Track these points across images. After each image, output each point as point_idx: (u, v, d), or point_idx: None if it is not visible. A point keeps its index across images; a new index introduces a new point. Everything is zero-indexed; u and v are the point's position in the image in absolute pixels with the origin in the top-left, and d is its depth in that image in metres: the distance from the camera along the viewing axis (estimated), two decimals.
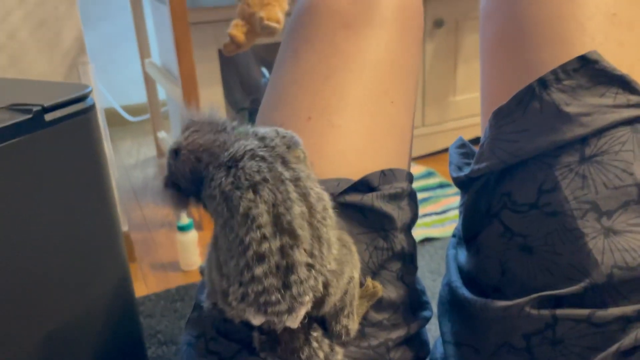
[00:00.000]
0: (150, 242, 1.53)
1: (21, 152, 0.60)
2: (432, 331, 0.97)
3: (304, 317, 0.43)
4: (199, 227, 1.54)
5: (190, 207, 0.49)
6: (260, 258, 0.40)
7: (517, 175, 0.53)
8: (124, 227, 1.38)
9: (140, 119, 2.35)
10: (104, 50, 2.28)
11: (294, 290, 0.40)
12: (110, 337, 0.76)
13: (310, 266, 0.41)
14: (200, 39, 1.54)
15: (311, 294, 0.41)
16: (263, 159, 0.43)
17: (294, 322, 0.42)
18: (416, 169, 1.83)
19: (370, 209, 0.53)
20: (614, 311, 0.45)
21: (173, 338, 1.13)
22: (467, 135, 0.59)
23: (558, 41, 0.53)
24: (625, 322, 0.45)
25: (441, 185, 1.76)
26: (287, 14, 0.97)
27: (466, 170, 0.58)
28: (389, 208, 0.54)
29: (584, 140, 0.50)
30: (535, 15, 0.55)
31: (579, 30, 0.53)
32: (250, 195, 0.41)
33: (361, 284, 0.51)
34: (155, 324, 1.17)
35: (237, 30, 0.99)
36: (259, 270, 0.40)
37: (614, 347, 0.45)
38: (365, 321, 0.52)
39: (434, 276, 1.30)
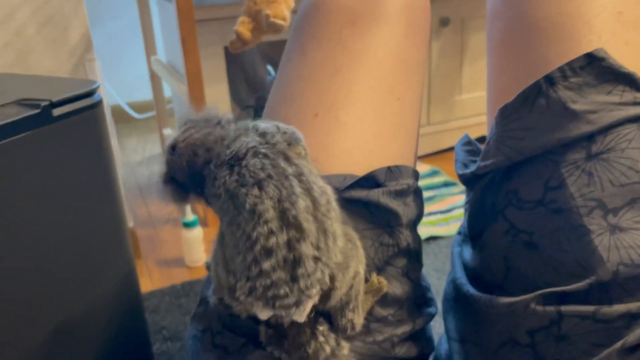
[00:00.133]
0: (156, 239, 1.54)
1: (29, 147, 0.60)
2: (437, 328, 0.98)
3: (311, 312, 0.44)
4: (204, 223, 1.54)
5: (190, 201, 0.49)
6: (268, 252, 0.40)
7: (523, 173, 0.53)
8: (130, 224, 1.39)
9: (146, 116, 2.36)
10: (110, 47, 2.29)
11: (302, 283, 0.41)
12: (116, 332, 0.77)
13: (316, 259, 0.41)
14: (206, 36, 1.55)
15: (318, 287, 0.41)
16: (266, 156, 0.43)
17: (301, 315, 0.42)
18: (421, 168, 1.83)
19: (376, 205, 0.53)
20: (619, 308, 0.45)
21: (178, 334, 1.13)
22: (473, 134, 0.59)
23: (565, 39, 0.53)
24: (630, 319, 0.45)
25: (446, 184, 1.76)
26: (293, 12, 0.97)
27: (472, 168, 0.58)
28: (394, 204, 0.54)
29: (590, 137, 0.50)
30: (542, 12, 0.55)
31: (586, 28, 0.53)
32: (256, 192, 0.41)
33: (366, 280, 0.51)
34: (160, 320, 1.18)
35: (243, 27, 1.00)
36: (266, 265, 0.40)
37: (619, 344, 0.45)
38: (370, 316, 0.52)
39: (438, 274, 1.30)
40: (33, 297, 0.63)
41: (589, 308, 0.46)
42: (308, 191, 0.43)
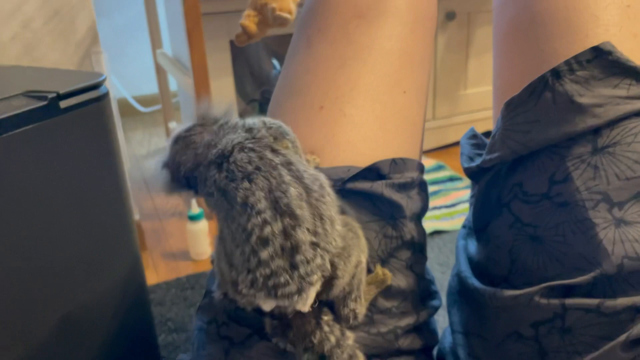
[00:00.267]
0: (161, 232, 1.54)
1: (36, 139, 0.61)
2: (441, 322, 0.98)
3: (314, 302, 0.44)
4: (209, 216, 1.55)
5: (178, 193, 0.50)
6: (264, 242, 0.41)
7: (528, 166, 0.53)
8: (136, 216, 1.39)
9: (151, 110, 2.37)
10: (116, 40, 2.29)
11: (302, 270, 0.41)
12: (122, 324, 0.77)
13: (315, 245, 0.42)
14: (212, 29, 1.55)
15: (319, 273, 0.42)
16: (252, 150, 0.44)
17: (304, 304, 0.42)
18: (426, 162, 1.83)
19: (380, 197, 0.53)
20: (624, 301, 0.46)
21: (183, 325, 1.14)
22: (478, 129, 0.59)
23: (571, 32, 0.53)
24: (635, 312, 0.45)
25: (451, 179, 1.75)
26: (299, 5, 0.97)
27: (477, 161, 0.58)
28: (397, 197, 0.54)
29: (596, 131, 0.50)
30: (549, 6, 0.55)
31: (593, 21, 0.52)
32: (246, 185, 0.42)
33: (370, 271, 0.51)
34: (165, 312, 1.18)
35: (249, 20, 1.00)
36: (264, 254, 0.41)
37: (623, 337, 0.45)
38: (374, 308, 0.52)
39: (443, 269, 1.30)
40: (39, 289, 0.64)
41: (593, 301, 0.46)
42: (299, 179, 0.43)
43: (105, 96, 0.69)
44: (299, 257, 0.41)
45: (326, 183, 0.45)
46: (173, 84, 2.14)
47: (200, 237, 1.38)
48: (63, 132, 0.64)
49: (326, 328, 0.46)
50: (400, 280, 0.54)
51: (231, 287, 0.45)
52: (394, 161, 0.55)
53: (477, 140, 0.64)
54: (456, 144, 1.95)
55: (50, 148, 0.62)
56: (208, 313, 0.55)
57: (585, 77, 0.50)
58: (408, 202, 0.55)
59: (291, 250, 0.41)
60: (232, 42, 1.58)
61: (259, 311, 0.45)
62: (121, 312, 0.77)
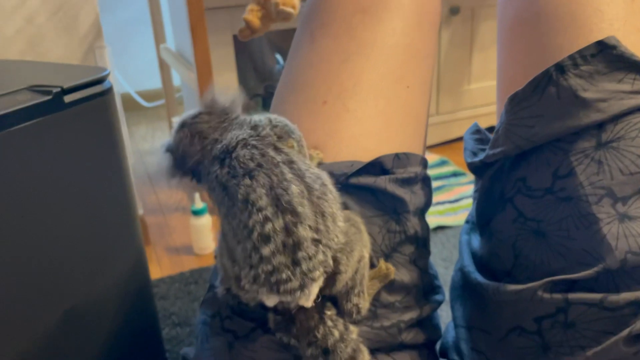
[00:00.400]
0: (165, 226, 1.55)
1: (40, 133, 0.61)
2: (444, 317, 0.98)
3: (317, 297, 0.44)
4: (212, 211, 1.55)
5: (179, 179, 0.50)
6: (266, 238, 0.41)
7: (532, 161, 0.53)
8: (139, 211, 1.40)
9: (155, 104, 2.37)
10: (120, 35, 2.29)
11: (304, 266, 0.41)
12: (126, 318, 0.78)
13: (316, 241, 0.42)
14: (215, 24, 1.55)
15: (321, 269, 0.42)
16: (255, 147, 0.44)
17: (307, 300, 0.43)
18: (430, 158, 1.83)
19: (383, 192, 0.53)
20: (627, 296, 0.46)
21: (187, 319, 1.14)
22: (482, 124, 0.59)
23: (576, 26, 0.53)
24: (638, 307, 0.45)
25: (455, 174, 1.75)
26: (303, 0, 0.97)
27: (481, 156, 0.58)
28: (401, 192, 0.54)
29: (600, 126, 0.50)
30: (553, 0, 0.55)
31: (597, 15, 0.52)
32: (247, 181, 0.42)
33: (373, 265, 0.52)
34: (169, 306, 1.19)
35: (252, 15, 0.99)
36: (266, 251, 0.41)
37: (626, 331, 0.45)
38: (377, 302, 0.52)
39: (446, 264, 1.30)
40: (44, 284, 0.64)
41: (596, 296, 0.46)
42: (300, 177, 0.43)
43: (109, 91, 0.69)
44: (301, 254, 0.41)
45: (328, 181, 0.45)
46: (176, 79, 2.14)
47: (204, 232, 1.38)
48: (67, 127, 0.64)
49: (330, 323, 0.46)
50: (404, 275, 0.54)
51: (234, 282, 0.45)
52: (397, 156, 0.55)
53: (480, 135, 0.64)
54: (460, 139, 1.95)
55: (54, 142, 0.63)
56: (212, 307, 0.55)
57: (589, 71, 0.50)
58: (411, 197, 0.55)
59: (293, 247, 0.41)
60: (235, 37, 1.58)
61: (262, 306, 0.45)
62: (125, 307, 0.77)
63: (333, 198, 0.45)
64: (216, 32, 1.55)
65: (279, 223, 0.41)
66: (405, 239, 0.54)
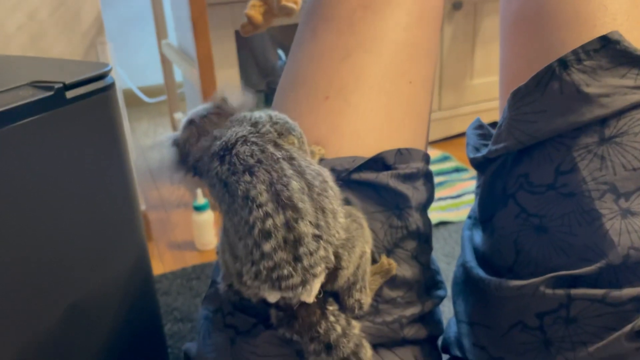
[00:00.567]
0: (167, 222, 1.55)
1: (42, 129, 0.61)
2: (446, 313, 0.98)
3: (319, 292, 0.44)
4: (214, 207, 1.55)
5: (183, 175, 0.50)
6: (267, 234, 0.41)
7: (534, 156, 0.53)
8: (142, 207, 1.40)
9: (157, 100, 2.37)
10: (121, 31, 2.29)
11: (305, 262, 0.41)
12: (128, 313, 0.78)
13: (317, 237, 0.42)
14: (217, 19, 1.54)
15: (323, 265, 0.42)
16: (255, 143, 0.44)
17: (308, 296, 0.43)
18: (432, 153, 1.83)
19: (385, 188, 0.53)
20: (629, 292, 0.45)
21: (189, 315, 1.15)
22: (485, 120, 0.59)
23: (579, 21, 0.52)
24: None
25: (457, 170, 1.75)
26: None
27: (483, 152, 0.58)
28: (403, 187, 0.54)
29: (603, 121, 0.49)
30: None
31: (601, 10, 0.52)
32: (247, 177, 0.42)
33: (375, 261, 0.52)
34: (171, 302, 1.19)
35: (254, 10, 0.99)
36: (267, 247, 0.41)
37: (628, 327, 0.45)
38: (379, 298, 0.52)
39: (448, 259, 1.30)
40: (46, 279, 0.64)
41: (598, 291, 0.46)
42: (301, 174, 0.43)
43: (110, 87, 0.69)
44: (302, 250, 0.41)
45: (329, 178, 0.45)
46: (178, 75, 2.14)
47: (206, 228, 1.38)
48: (69, 123, 0.64)
49: (332, 318, 0.46)
50: (406, 271, 0.54)
51: (236, 278, 0.45)
52: (399, 151, 0.55)
53: (483, 131, 0.63)
54: (462, 134, 1.95)
55: (56, 138, 0.63)
56: (214, 302, 0.55)
57: (592, 66, 0.50)
58: (414, 193, 0.55)
59: (294, 243, 0.41)
60: (237, 33, 1.58)
61: (264, 302, 0.45)
62: (127, 302, 0.78)
63: (334, 194, 0.45)
64: (218, 27, 1.55)
65: (279, 219, 0.41)
66: (407, 235, 0.54)
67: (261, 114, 0.48)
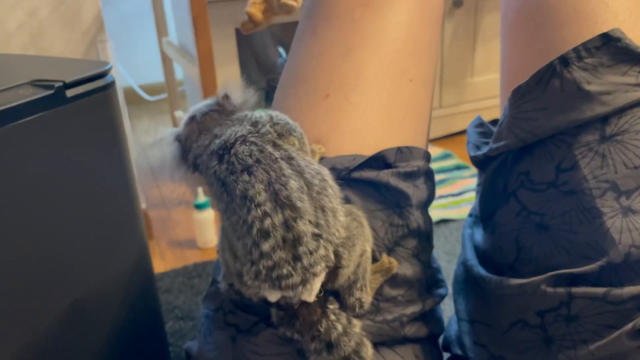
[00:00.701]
0: (168, 220, 1.55)
1: (43, 128, 0.61)
2: (447, 311, 0.98)
3: (320, 291, 0.44)
4: (214, 205, 1.55)
5: (184, 172, 0.50)
6: (265, 234, 0.41)
7: (535, 154, 0.53)
8: (142, 205, 1.40)
9: (157, 98, 2.37)
10: (122, 29, 2.29)
11: (305, 261, 0.41)
12: (129, 311, 0.78)
13: (317, 236, 0.42)
14: (218, 17, 1.54)
15: (323, 264, 0.42)
16: (254, 143, 0.44)
17: (309, 295, 0.43)
18: (433, 151, 1.83)
19: (386, 186, 0.53)
20: (630, 290, 0.45)
21: (190, 313, 1.15)
22: (485, 117, 0.59)
23: (580, 19, 0.52)
24: None
25: (458, 167, 1.75)
26: None
27: (484, 149, 0.58)
28: (403, 185, 0.54)
29: (604, 119, 0.49)
30: None
31: (602, 7, 0.52)
32: (245, 177, 0.42)
33: (376, 259, 0.52)
34: (172, 300, 1.19)
35: (254, 8, 0.99)
36: (266, 246, 0.41)
37: (629, 325, 0.45)
38: (380, 296, 0.52)
39: (449, 257, 1.30)
40: (47, 277, 0.64)
41: (599, 290, 0.46)
42: (299, 173, 0.43)
43: (111, 85, 0.68)
44: (301, 249, 0.41)
45: (329, 177, 0.45)
46: (179, 73, 2.14)
47: (207, 226, 1.38)
48: (69, 121, 0.64)
49: (332, 317, 0.46)
50: (406, 269, 0.54)
51: (236, 278, 0.45)
52: (399, 150, 0.55)
53: (483, 129, 0.63)
54: (463, 132, 1.94)
55: (57, 137, 0.63)
56: (215, 301, 0.55)
57: (593, 64, 0.50)
58: (414, 191, 0.55)
59: (293, 242, 0.41)
60: (237, 30, 1.58)
61: (265, 301, 0.45)
62: (129, 300, 0.78)
63: (333, 193, 0.45)
64: (218, 25, 1.55)
65: (278, 218, 0.41)
66: (408, 233, 0.54)
67: (262, 114, 0.48)
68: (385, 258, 0.52)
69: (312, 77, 0.59)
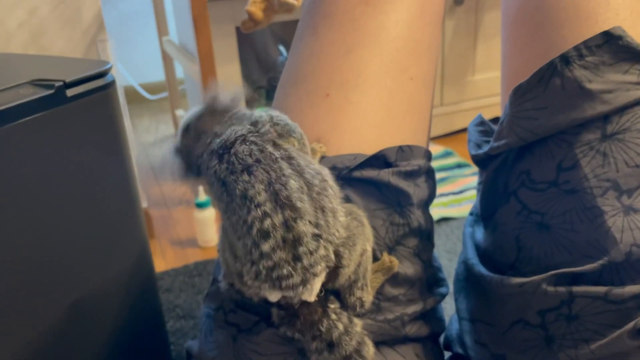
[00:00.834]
0: (169, 219, 1.55)
1: (43, 127, 0.61)
2: (448, 310, 0.98)
3: (321, 291, 0.44)
4: (215, 204, 1.55)
5: (189, 180, 0.50)
6: (265, 234, 0.41)
7: (536, 153, 0.53)
8: (143, 204, 1.40)
9: (158, 97, 2.37)
10: (122, 28, 2.29)
11: (305, 261, 0.41)
12: (130, 310, 0.78)
13: (317, 236, 0.42)
14: (218, 16, 1.54)
15: (323, 264, 0.42)
16: (254, 143, 0.44)
17: (309, 295, 0.43)
18: (434, 149, 1.82)
19: (387, 185, 0.53)
20: (631, 289, 0.45)
21: (191, 312, 1.15)
22: (486, 115, 0.59)
23: (581, 17, 0.52)
24: None
25: (459, 165, 1.75)
26: None
27: (485, 148, 0.58)
28: (404, 184, 0.54)
29: (605, 117, 0.49)
30: None
31: (603, 5, 0.52)
32: (245, 177, 0.42)
33: (376, 258, 0.51)
34: (173, 298, 1.19)
35: (255, 7, 0.99)
36: (266, 247, 0.41)
37: (630, 325, 0.45)
38: (381, 296, 0.52)
39: (450, 256, 1.30)
40: (48, 277, 0.64)
41: (600, 289, 0.46)
42: (299, 173, 0.43)
43: (111, 84, 0.68)
44: (301, 249, 0.41)
45: (328, 176, 0.45)
46: (179, 71, 2.14)
47: (208, 225, 1.38)
48: (70, 121, 0.64)
49: (333, 316, 0.46)
50: (407, 268, 0.54)
51: (237, 278, 0.45)
52: (400, 148, 0.55)
53: (484, 127, 0.63)
54: (464, 130, 1.94)
55: (57, 136, 0.63)
56: (215, 300, 0.55)
57: (594, 62, 0.50)
58: (415, 190, 0.55)
59: (293, 242, 0.41)
60: (238, 29, 1.57)
61: (265, 301, 0.45)
62: (130, 299, 0.78)
63: (333, 193, 0.44)
64: (219, 24, 1.55)
65: (278, 218, 0.41)
66: (409, 232, 0.54)
67: (262, 114, 0.48)
68: (386, 257, 0.52)
69: (312, 76, 0.59)
